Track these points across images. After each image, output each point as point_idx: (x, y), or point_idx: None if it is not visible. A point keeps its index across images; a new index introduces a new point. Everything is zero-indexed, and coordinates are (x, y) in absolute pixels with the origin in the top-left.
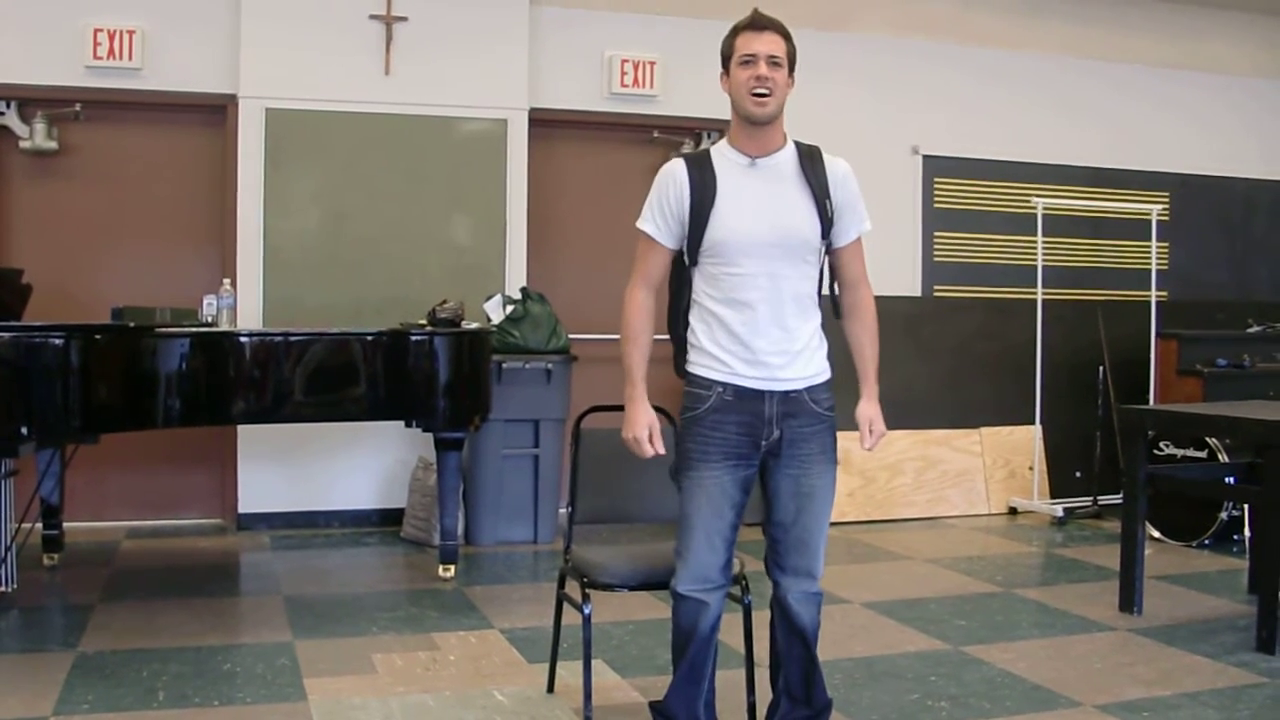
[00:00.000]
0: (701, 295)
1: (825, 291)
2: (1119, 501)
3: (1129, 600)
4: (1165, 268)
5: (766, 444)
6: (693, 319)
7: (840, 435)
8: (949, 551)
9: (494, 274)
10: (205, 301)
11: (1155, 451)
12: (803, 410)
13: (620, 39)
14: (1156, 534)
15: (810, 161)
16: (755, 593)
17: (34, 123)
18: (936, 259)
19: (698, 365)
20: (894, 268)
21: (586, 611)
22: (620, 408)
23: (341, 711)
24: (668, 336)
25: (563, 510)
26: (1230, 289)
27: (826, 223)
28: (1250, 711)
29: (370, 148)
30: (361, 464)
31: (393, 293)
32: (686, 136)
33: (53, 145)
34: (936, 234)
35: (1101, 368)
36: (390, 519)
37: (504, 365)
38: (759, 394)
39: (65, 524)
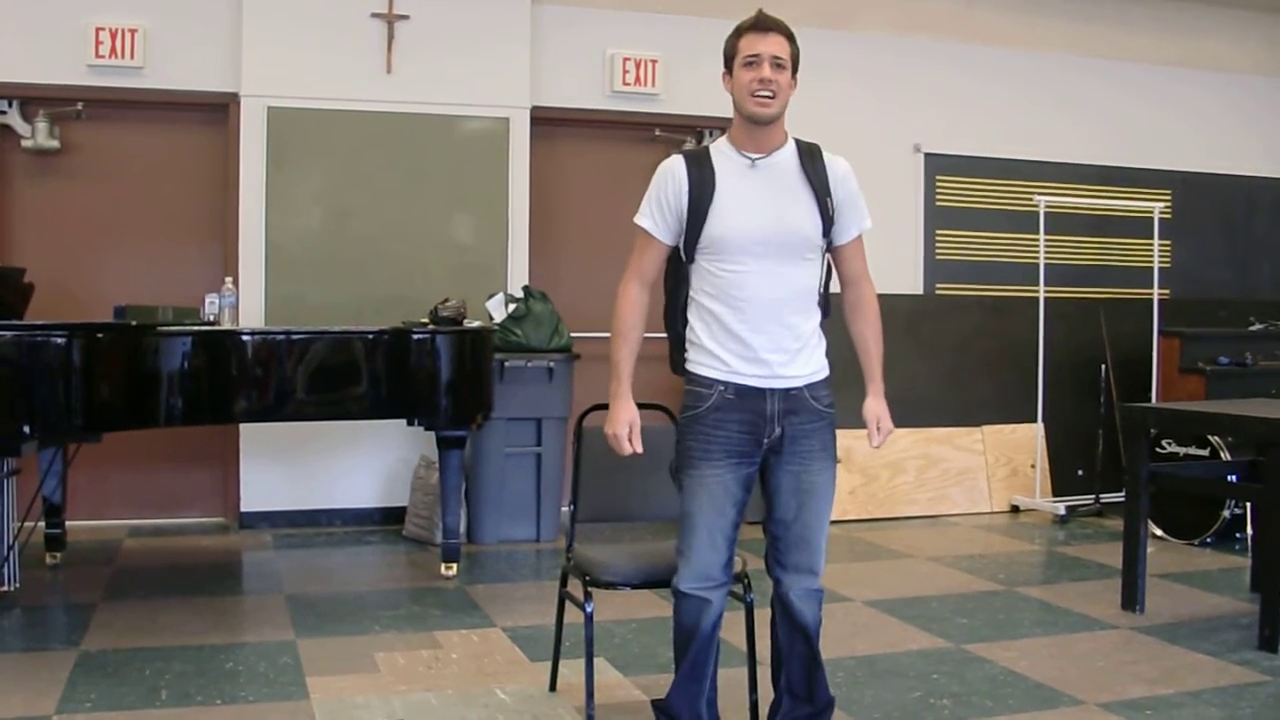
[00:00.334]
0: (700, 293)
1: (823, 290)
2: (1121, 499)
3: (1131, 598)
4: (1167, 266)
5: (768, 442)
6: (691, 317)
7: (841, 433)
8: (951, 550)
9: (496, 272)
10: (207, 300)
11: (1157, 449)
12: (803, 407)
13: (622, 37)
14: (1159, 532)
15: (810, 159)
16: (757, 591)
17: (36, 121)
18: (938, 257)
19: (698, 364)
20: (896, 266)
21: (589, 610)
22: None
23: (344, 710)
24: (663, 334)
25: (565, 508)
26: (1232, 287)
27: (827, 220)
28: (1253, 709)
29: (372, 146)
30: (364, 463)
31: (395, 291)
32: (688, 135)
33: (55, 144)
34: (938, 232)
35: (1104, 366)
36: (392, 517)
37: (506, 364)
38: (760, 392)
39: (67, 523)
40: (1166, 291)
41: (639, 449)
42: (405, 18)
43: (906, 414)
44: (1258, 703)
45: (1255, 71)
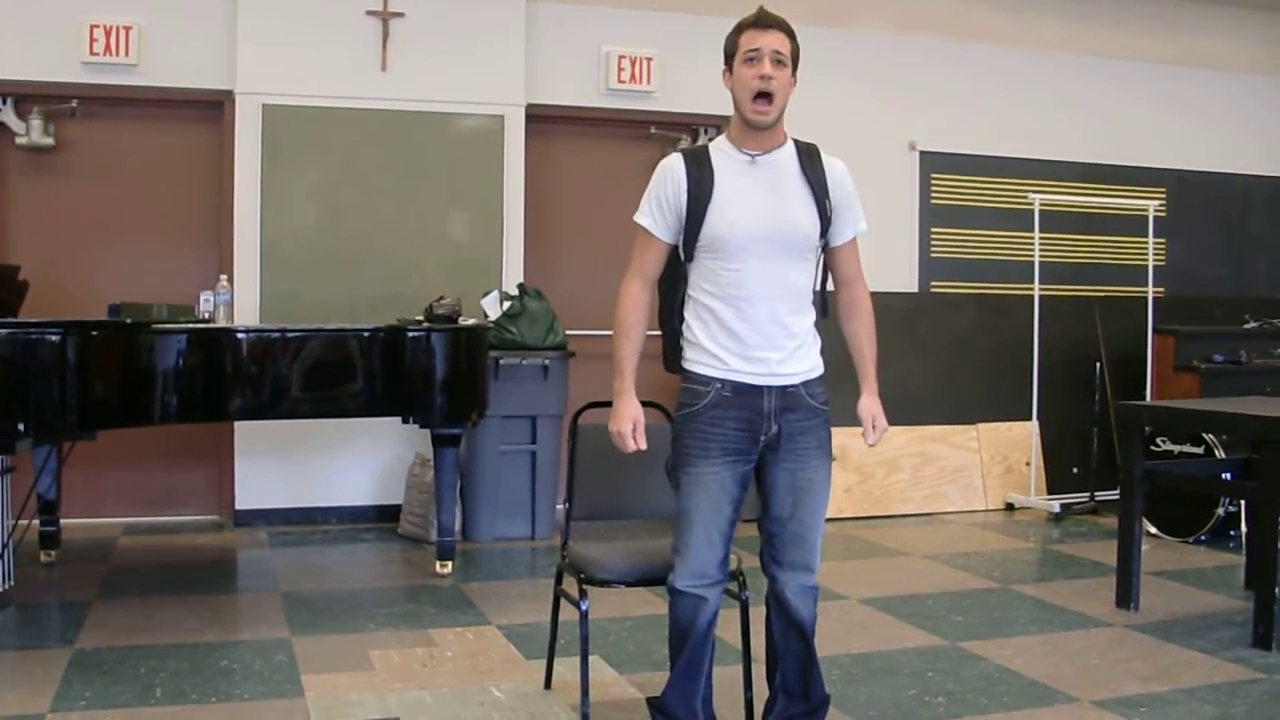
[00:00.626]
0: (698, 290)
1: (818, 289)
2: (1116, 497)
3: (1126, 596)
4: (1162, 263)
5: (765, 439)
6: (688, 315)
7: (836, 430)
8: (946, 547)
9: (491, 270)
10: (202, 297)
11: (1152, 447)
12: (800, 405)
13: (617, 35)
14: (1153, 530)
15: (809, 160)
16: (751, 589)
17: (30, 119)
18: (933, 255)
19: (694, 362)
20: (891, 263)
21: (584, 607)
22: None
23: (339, 708)
24: (658, 332)
25: (560, 506)
26: (1227, 285)
27: (825, 220)
28: (1246, 707)
29: (367, 144)
30: (359, 460)
31: (390, 289)
32: (683, 132)
33: (49, 141)
34: (933, 230)
35: (1098, 364)
36: (387, 515)
37: (501, 361)
38: (758, 389)
39: (62, 520)
40: (1161, 289)
41: (643, 446)
42: (400, 15)
43: (901, 412)
44: (1251, 700)
45: (1251, 70)
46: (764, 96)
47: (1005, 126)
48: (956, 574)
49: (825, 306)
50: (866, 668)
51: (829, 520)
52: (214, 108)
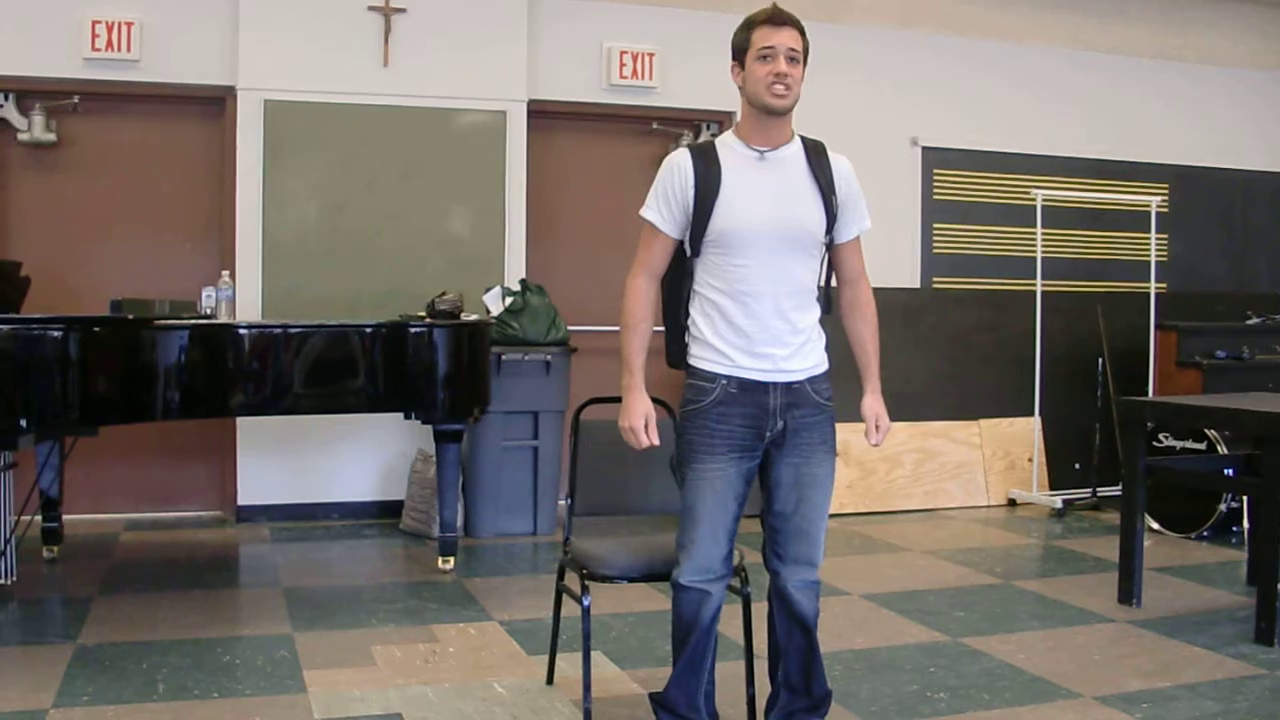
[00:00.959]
0: (704, 286)
1: (822, 286)
2: (1118, 493)
3: (1128, 592)
4: (1164, 259)
5: (770, 435)
6: (693, 310)
7: (839, 426)
8: (948, 543)
9: (493, 266)
10: (204, 293)
11: (1154, 443)
12: (805, 400)
13: (619, 30)
14: (1155, 526)
15: (816, 156)
16: (754, 584)
17: (32, 115)
18: (936, 251)
19: (700, 358)
20: (893, 259)
21: (586, 603)
22: (620, 399)
23: (341, 703)
24: (661, 327)
25: (562, 502)
26: (1229, 281)
27: (831, 217)
28: (1249, 703)
29: (369, 140)
30: (361, 456)
31: (392, 285)
32: (685, 128)
33: (51, 137)
34: (936, 226)
35: (1101, 359)
36: (389, 511)
37: (503, 357)
38: (763, 385)
39: (64, 516)
40: (1163, 285)
41: (655, 441)
42: (402, 11)
43: (904, 408)
44: (1254, 696)
45: (1253, 65)
46: (780, 89)
47: (1008, 122)
48: (958, 569)
49: (829, 303)
50: (869, 663)
51: (831, 516)
52: (216, 103)
